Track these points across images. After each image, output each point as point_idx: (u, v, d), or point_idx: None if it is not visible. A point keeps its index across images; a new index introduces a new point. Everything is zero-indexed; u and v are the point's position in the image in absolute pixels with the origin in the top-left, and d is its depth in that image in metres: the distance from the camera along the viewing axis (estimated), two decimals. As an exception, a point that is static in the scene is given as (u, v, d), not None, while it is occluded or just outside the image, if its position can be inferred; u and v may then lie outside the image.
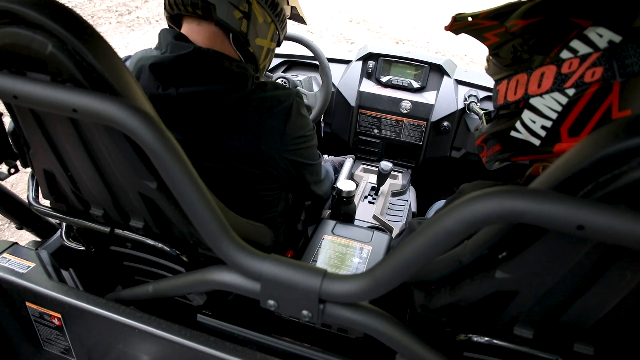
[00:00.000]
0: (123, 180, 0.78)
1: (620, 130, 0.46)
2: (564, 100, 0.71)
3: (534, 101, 0.75)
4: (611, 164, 0.47)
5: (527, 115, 0.76)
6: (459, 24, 0.85)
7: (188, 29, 1.04)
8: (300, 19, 1.39)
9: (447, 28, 0.87)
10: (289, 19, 1.32)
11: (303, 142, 1.09)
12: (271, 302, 0.65)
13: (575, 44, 0.69)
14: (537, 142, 0.76)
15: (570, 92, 0.70)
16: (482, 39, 0.84)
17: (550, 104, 0.73)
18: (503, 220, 0.47)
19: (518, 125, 0.78)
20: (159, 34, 1.03)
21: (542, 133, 0.75)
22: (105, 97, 0.59)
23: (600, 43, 0.67)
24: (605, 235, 0.44)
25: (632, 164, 0.45)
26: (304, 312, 0.64)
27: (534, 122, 0.76)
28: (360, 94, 1.99)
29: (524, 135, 0.78)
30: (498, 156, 0.87)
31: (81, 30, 0.62)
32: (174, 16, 1.06)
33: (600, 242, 0.53)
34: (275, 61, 2.15)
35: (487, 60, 0.89)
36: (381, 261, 0.58)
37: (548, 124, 0.74)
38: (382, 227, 1.59)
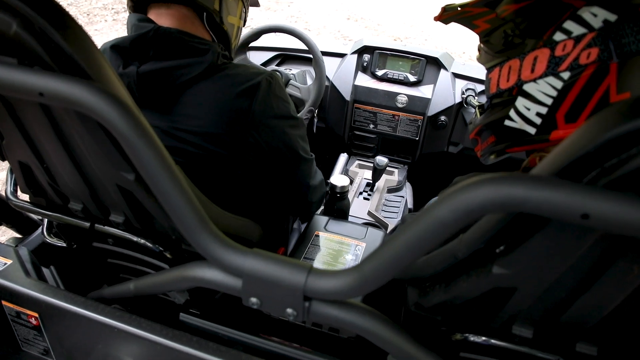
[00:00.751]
0: (99, 171, 0.74)
1: (628, 110, 0.42)
2: (559, 84, 0.68)
3: (527, 87, 0.72)
4: (618, 147, 0.43)
5: (521, 102, 0.73)
6: (448, 14, 0.81)
7: (156, 14, 1.00)
8: (255, 2, 1.39)
9: (437, 18, 0.84)
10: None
11: (278, 124, 1.02)
12: (254, 299, 0.61)
13: (569, 25, 0.66)
14: (532, 130, 0.73)
15: (565, 75, 0.67)
16: (472, 27, 0.81)
17: (544, 89, 0.70)
18: (501, 209, 0.43)
19: (512, 113, 0.75)
20: (127, 21, 1.00)
21: (538, 120, 0.72)
22: (73, 80, 0.55)
23: (594, 23, 0.64)
24: (612, 224, 0.40)
25: (640, 147, 0.41)
26: (289, 310, 0.60)
27: (529, 109, 0.72)
28: (356, 88, 1.95)
29: (518, 124, 0.75)
30: (493, 148, 0.83)
31: (48, 8, 0.58)
32: (138, 4, 1.03)
33: (606, 233, 0.49)
34: (269, 55, 2.11)
35: (479, 49, 0.85)
36: (370, 255, 0.54)
37: (543, 110, 0.70)
38: (377, 223, 1.55)
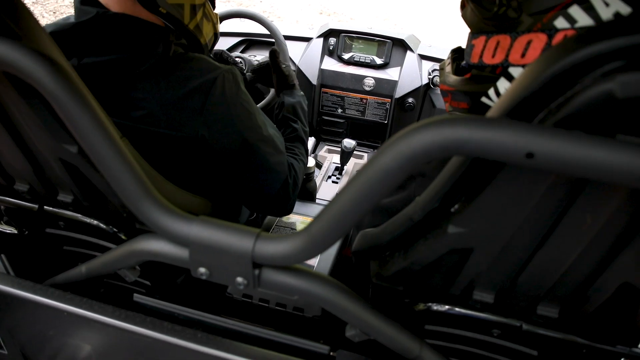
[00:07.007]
0: (41, 145, 0.70)
1: (570, 43, 0.41)
2: None
3: (513, 71, 0.64)
4: (564, 85, 0.42)
5: (503, 84, 0.66)
6: None
7: None
8: None
9: None
10: None
11: (233, 122, 0.92)
12: (202, 269, 0.58)
13: (574, 11, 0.56)
14: None
15: None
16: None
17: None
18: (445, 152, 0.41)
19: (491, 92, 0.69)
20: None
21: None
22: (-3, 38, 0.51)
23: (604, 13, 0.54)
24: (558, 163, 0.39)
25: (584, 82, 0.40)
26: (239, 279, 0.57)
27: None
28: (322, 72, 1.94)
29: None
30: (464, 114, 0.80)
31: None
32: None
33: (556, 182, 0.48)
34: (233, 40, 2.07)
35: (465, 2, 0.74)
36: (317, 216, 0.52)
37: None
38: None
